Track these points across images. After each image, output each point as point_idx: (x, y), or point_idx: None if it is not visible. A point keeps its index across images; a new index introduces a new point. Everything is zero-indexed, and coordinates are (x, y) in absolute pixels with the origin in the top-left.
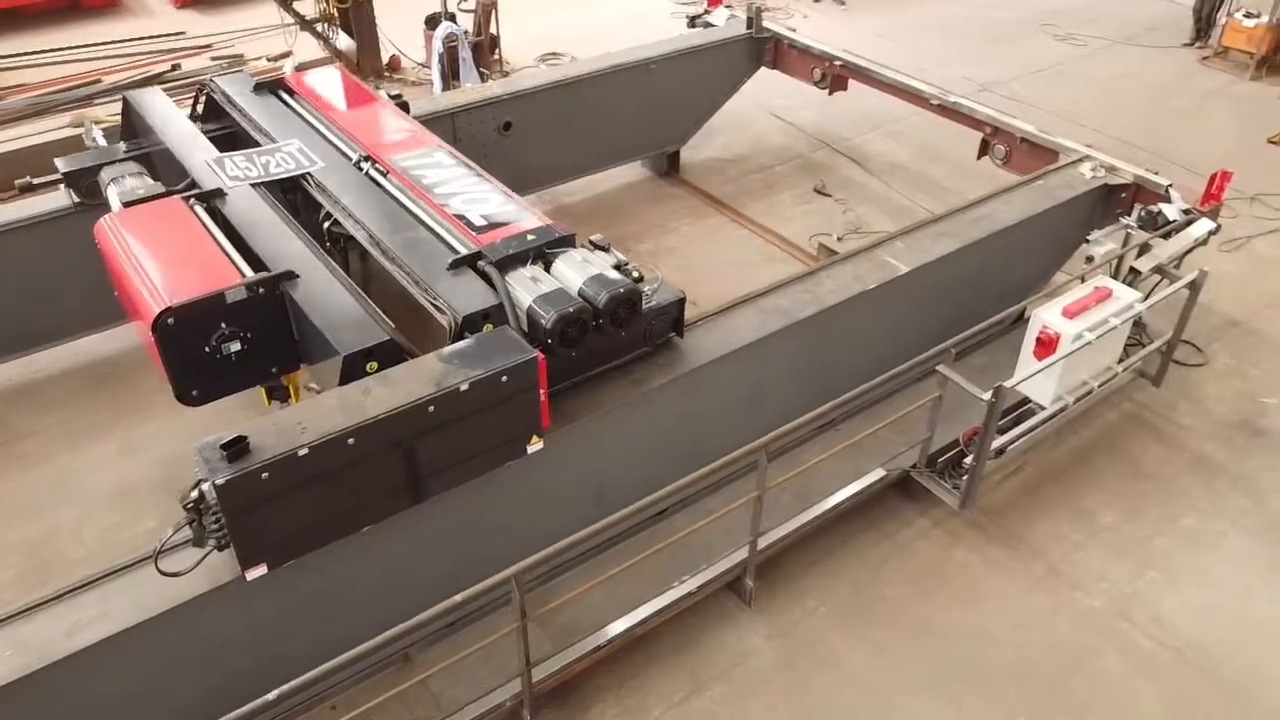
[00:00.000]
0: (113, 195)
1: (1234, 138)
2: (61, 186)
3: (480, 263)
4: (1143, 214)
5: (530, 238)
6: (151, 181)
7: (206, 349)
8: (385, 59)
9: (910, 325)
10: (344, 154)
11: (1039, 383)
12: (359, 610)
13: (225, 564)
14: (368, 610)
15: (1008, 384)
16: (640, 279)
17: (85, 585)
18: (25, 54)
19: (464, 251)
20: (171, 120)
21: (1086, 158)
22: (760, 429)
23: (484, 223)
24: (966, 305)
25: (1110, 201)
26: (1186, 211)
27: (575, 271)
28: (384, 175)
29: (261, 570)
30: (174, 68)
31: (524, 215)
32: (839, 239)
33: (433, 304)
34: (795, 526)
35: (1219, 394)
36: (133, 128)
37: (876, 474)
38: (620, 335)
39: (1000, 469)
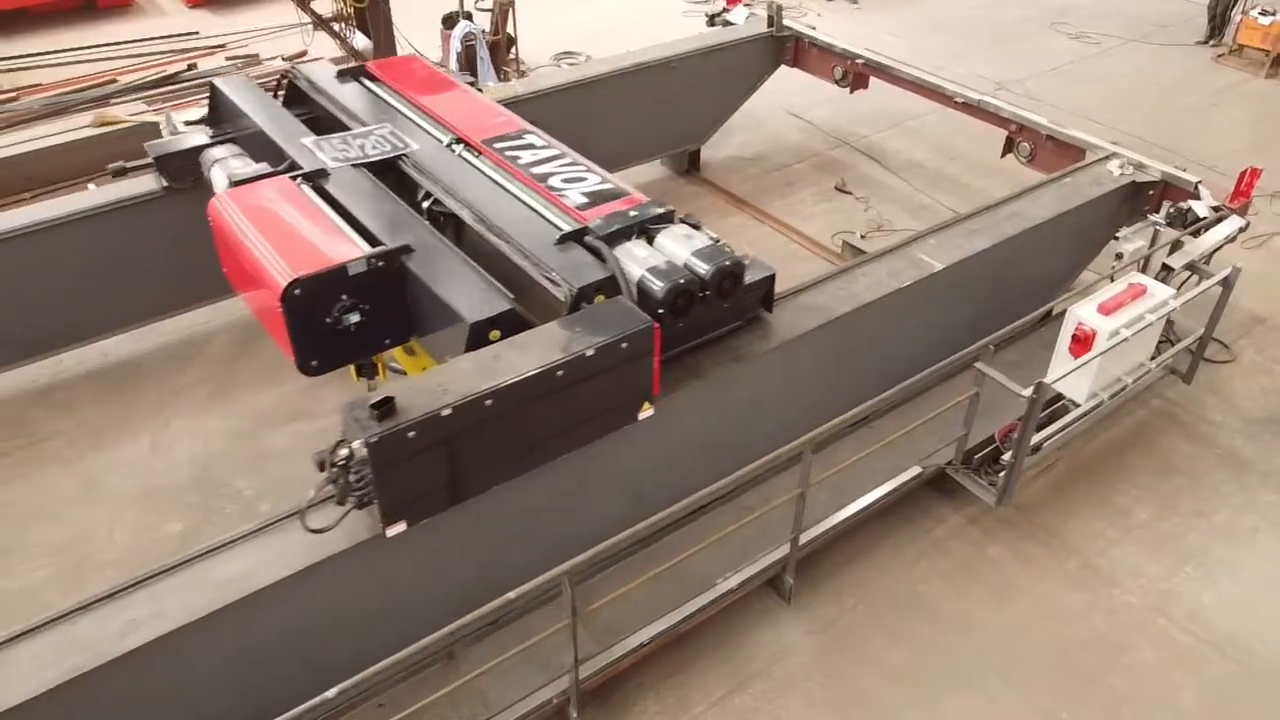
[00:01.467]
0: (218, 175)
1: (1251, 135)
2: (103, 182)
3: (587, 237)
4: (1172, 211)
5: (632, 214)
6: (253, 162)
7: (328, 320)
8: None
9: (940, 322)
10: (434, 137)
11: (1074, 379)
12: (421, 598)
13: (363, 522)
14: (424, 599)
15: (1048, 380)
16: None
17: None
18: (38, 54)
19: (568, 228)
20: (263, 106)
21: (1113, 155)
22: (792, 425)
23: (584, 200)
24: (994, 303)
25: (1137, 199)
26: (1216, 208)
27: (678, 245)
28: (476, 156)
29: (401, 527)
30: (190, 67)
31: (622, 192)
32: (862, 236)
33: (547, 277)
34: (835, 523)
35: (1246, 390)
36: (218, 114)
37: (913, 471)
38: (723, 306)
39: (1033, 465)
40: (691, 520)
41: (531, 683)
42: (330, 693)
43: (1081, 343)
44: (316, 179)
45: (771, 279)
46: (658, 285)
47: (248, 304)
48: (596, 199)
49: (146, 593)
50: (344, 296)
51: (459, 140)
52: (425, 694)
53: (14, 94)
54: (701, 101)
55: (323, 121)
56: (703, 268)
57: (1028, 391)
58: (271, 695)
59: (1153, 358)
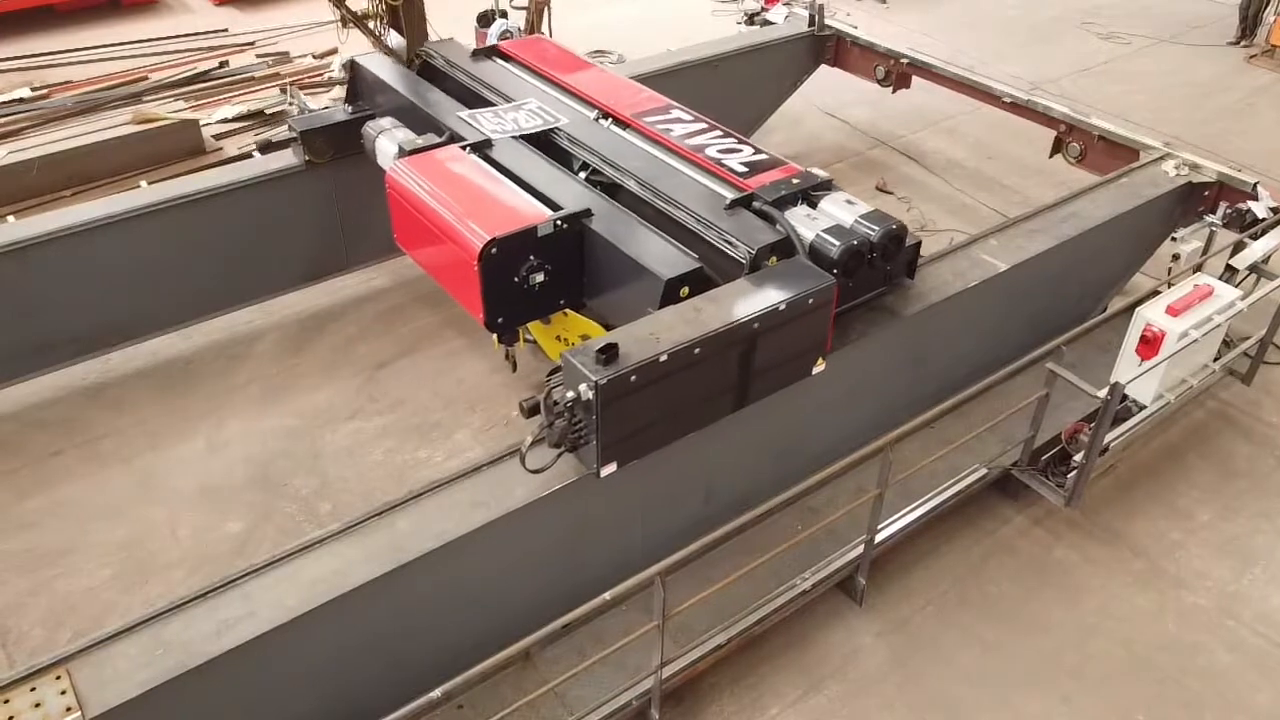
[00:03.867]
0: (385, 145)
1: None
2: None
3: (755, 203)
4: (1229, 212)
5: (795, 181)
6: (414, 134)
7: (515, 279)
8: None
9: (998, 323)
10: (579, 111)
11: (1139, 380)
12: (502, 599)
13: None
14: (504, 600)
15: (1123, 381)
16: None
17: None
18: (66, 51)
19: (732, 195)
20: (410, 82)
21: (1167, 155)
22: (855, 426)
23: (744, 169)
24: (1049, 303)
25: (1192, 200)
26: (1275, 209)
27: (842, 211)
28: (624, 129)
29: (613, 468)
30: (221, 64)
31: (779, 162)
32: None
33: (725, 240)
34: (907, 523)
35: None
36: (357, 91)
37: (979, 472)
38: (886, 269)
39: (1095, 467)
40: (760, 520)
41: (606, 683)
42: (436, 693)
43: (1149, 344)
44: (483, 149)
45: (918, 246)
46: (834, 245)
47: (424, 265)
48: (756, 168)
49: (238, 593)
50: (531, 257)
51: (606, 114)
52: (502, 694)
53: (45, 91)
54: (743, 101)
55: (459, 97)
56: (872, 230)
57: (1102, 392)
58: (353, 694)
59: (1215, 359)
